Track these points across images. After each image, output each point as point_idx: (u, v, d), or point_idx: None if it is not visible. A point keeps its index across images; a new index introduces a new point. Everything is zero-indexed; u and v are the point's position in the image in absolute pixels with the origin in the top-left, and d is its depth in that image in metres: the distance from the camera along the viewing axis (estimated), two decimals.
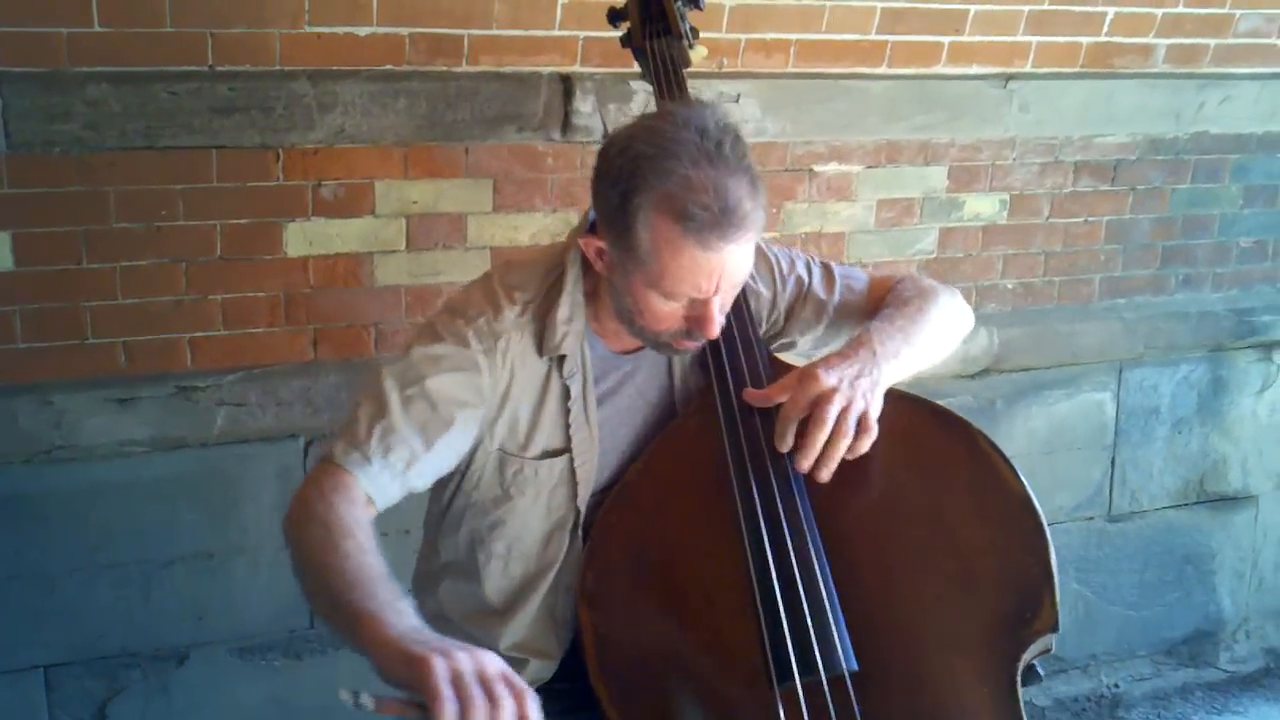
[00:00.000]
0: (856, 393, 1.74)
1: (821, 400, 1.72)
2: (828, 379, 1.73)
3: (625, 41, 2.17)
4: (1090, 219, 3.45)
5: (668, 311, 1.69)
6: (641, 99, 2.79)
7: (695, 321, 1.70)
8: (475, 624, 1.88)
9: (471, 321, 1.77)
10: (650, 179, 1.60)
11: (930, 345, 1.90)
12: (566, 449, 1.82)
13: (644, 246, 1.63)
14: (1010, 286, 3.41)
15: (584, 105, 2.75)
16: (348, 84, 2.57)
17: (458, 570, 1.90)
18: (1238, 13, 3.32)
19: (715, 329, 1.70)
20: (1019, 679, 1.66)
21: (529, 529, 1.84)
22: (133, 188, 2.51)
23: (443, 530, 1.91)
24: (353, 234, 2.70)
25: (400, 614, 1.42)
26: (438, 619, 1.92)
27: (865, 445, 1.74)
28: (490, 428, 1.79)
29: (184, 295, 2.60)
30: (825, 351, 1.89)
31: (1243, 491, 3.85)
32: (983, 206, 3.31)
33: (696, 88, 2.28)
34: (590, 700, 1.73)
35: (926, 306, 1.91)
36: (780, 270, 2.00)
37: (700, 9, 2.20)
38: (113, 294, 2.55)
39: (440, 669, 1.31)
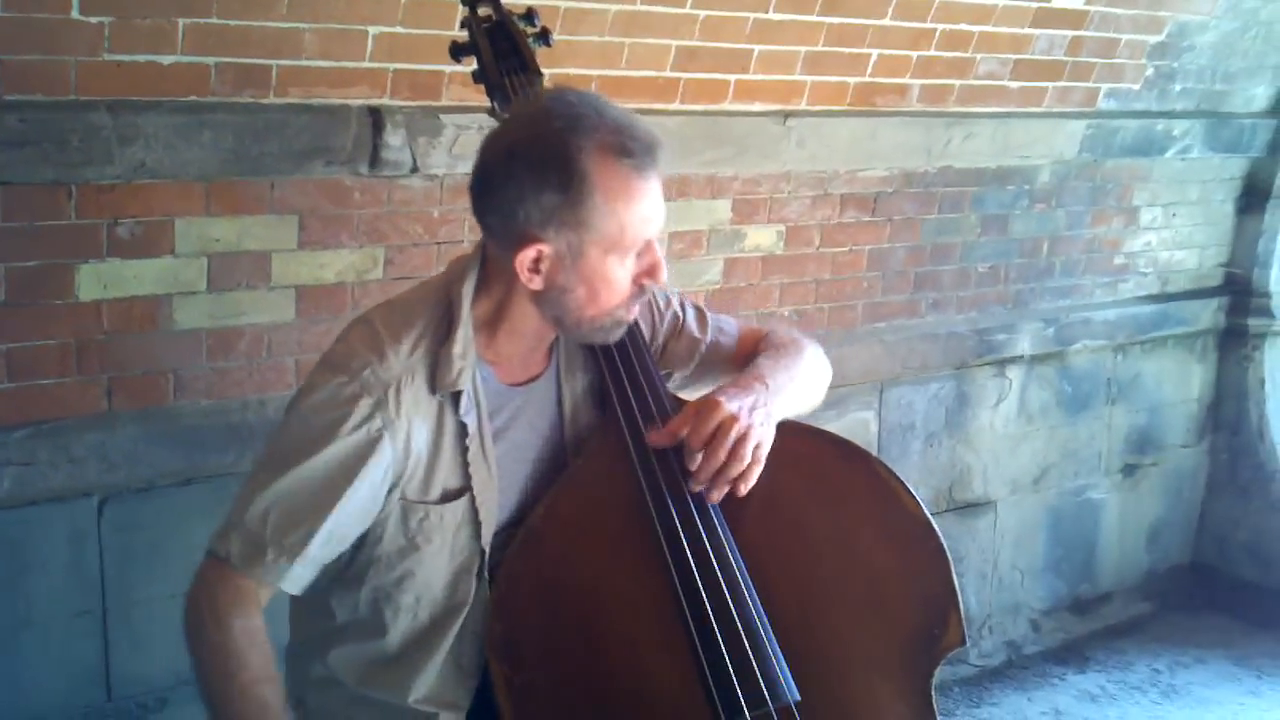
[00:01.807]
0: (754, 421, 1.78)
1: (722, 427, 1.76)
2: (729, 406, 1.77)
3: (478, 77, 2.12)
4: (854, 248, 3.65)
5: (625, 276, 1.72)
6: (451, 132, 2.74)
7: (646, 273, 1.74)
8: (377, 683, 1.80)
9: (356, 375, 1.69)
10: (580, 142, 1.64)
11: (807, 388, 1.97)
12: (466, 488, 1.77)
13: (599, 211, 1.65)
14: (786, 313, 3.55)
15: (394, 139, 2.68)
16: (150, 115, 2.40)
17: (358, 630, 1.80)
18: (978, 56, 3.59)
19: (664, 269, 1.75)
20: (933, 691, 1.75)
21: (436, 575, 1.78)
22: None
23: (337, 590, 1.80)
24: (150, 275, 2.52)
25: None
26: (328, 684, 1.83)
27: (753, 477, 1.78)
28: (398, 480, 1.73)
29: None
30: (700, 392, 1.92)
31: (984, 498, 4.16)
32: (762, 238, 3.44)
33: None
34: None
35: (802, 352, 2.00)
36: (657, 304, 2.02)
37: (550, 46, 2.19)
38: None
39: None
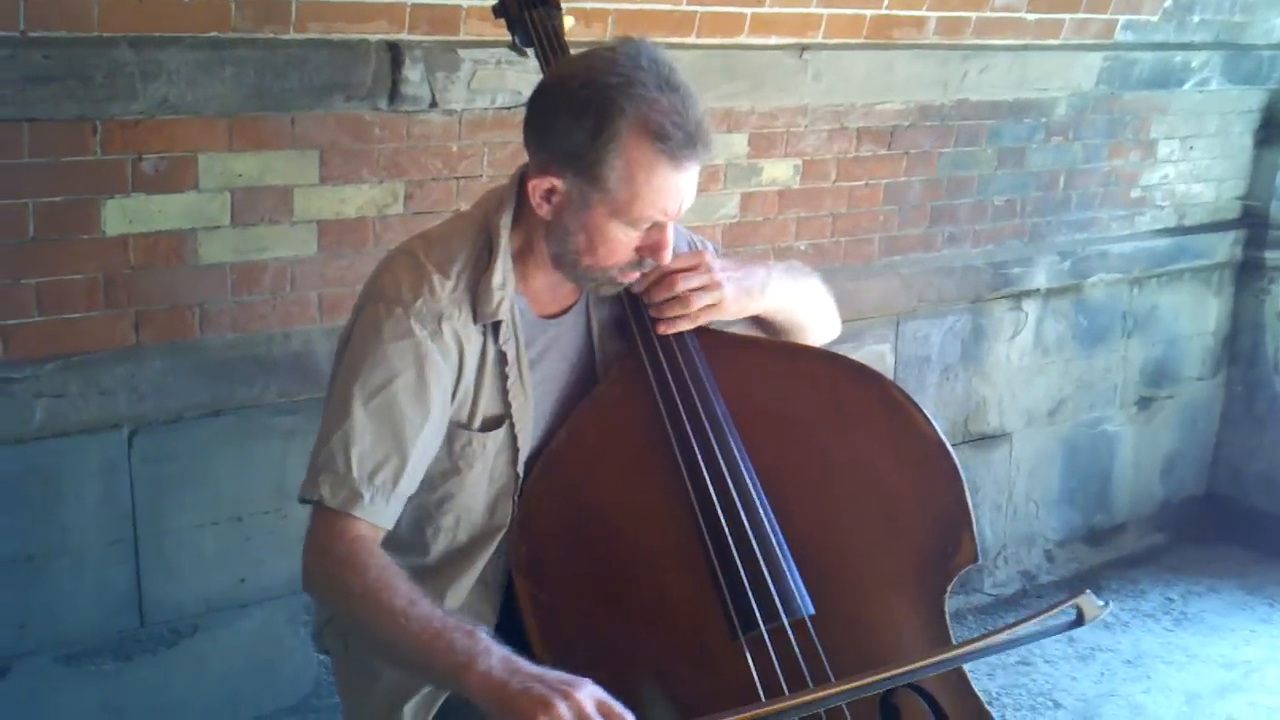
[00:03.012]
0: (727, 285, 1.86)
1: (693, 269, 1.84)
2: (707, 259, 1.87)
3: (499, 12, 2.15)
4: (870, 181, 3.66)
5: (624, 243, 1.75)
6: (469, 67, 2.76)
7: (649, 249, 1.77)
8: None
9: (409, 307, 1.74)
10: (624, 105, 1.66)
11: (809, 302, 2.04)
12: (506, 415, 1.82)
13: (616, 174, 1.68)
14: (803, 248, 3.57)
15: (412, 74, 2.70)
16: (172, 51, 2.43)
17: (398, 547, 1.84)
18: None
19: (669, 254, 1.77)
20: (946, 606, 1.80)
21: (475, 498, 1.84)
22: None
23: None
24: (175, 210, 2.56)
25: (487, 652, 1.53)
26: None
27: (679, 325, 1.86)
28: (450, 404, 1.78)
29: None
30: None
31: (999, 430, 4.19)
32: (778, 172, 3.45)
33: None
34: None
35: (814, 280, 2.07)
36: (694, 248, 2.05)
37: None
38: None
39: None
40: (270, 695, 2.90)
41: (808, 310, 2.05)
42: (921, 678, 1.70)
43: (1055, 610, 1.57)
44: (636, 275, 1.82)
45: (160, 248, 2.57)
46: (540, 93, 1.77)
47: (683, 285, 1.84)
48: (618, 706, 1.47)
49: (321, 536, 1.71)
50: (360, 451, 1.69)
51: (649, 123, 1.66)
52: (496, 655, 1.52)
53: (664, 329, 1.85)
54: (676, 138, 1.67)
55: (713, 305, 1.86)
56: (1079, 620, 1.58)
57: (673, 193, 1.71)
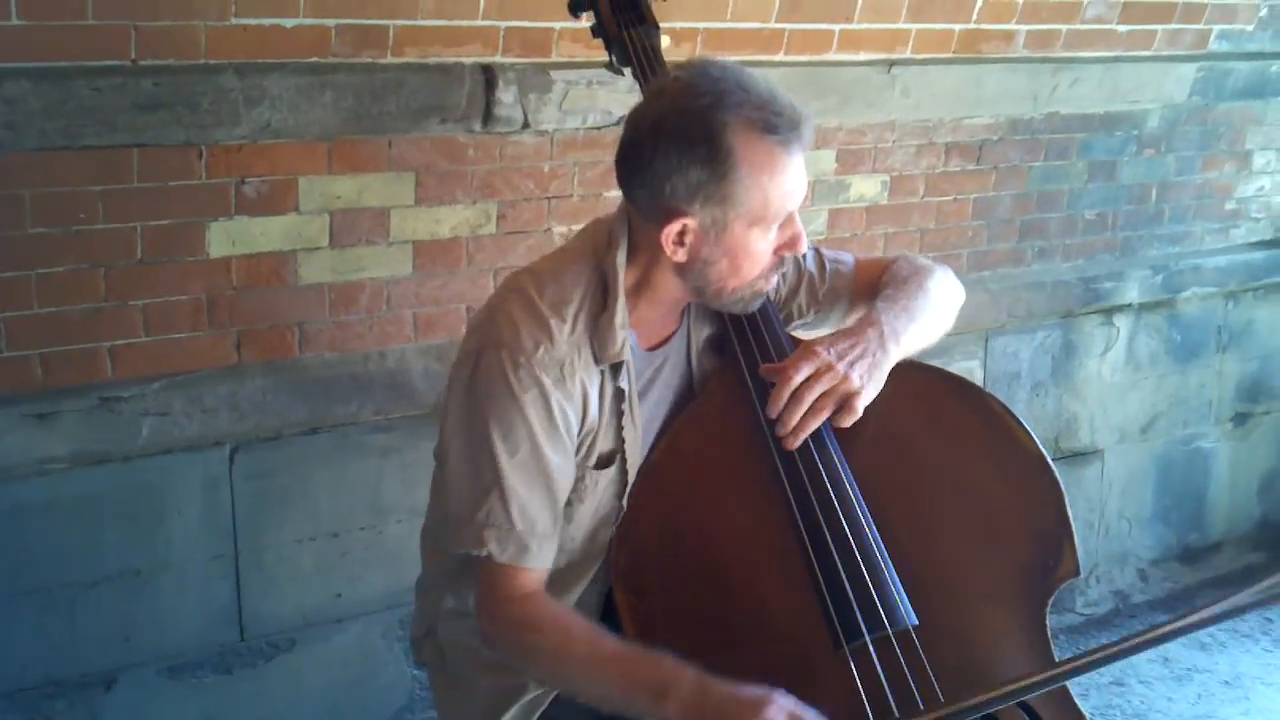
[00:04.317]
0: (853, 373, 1.81)
1: (815, 376, 1.80)
2: (824, 356, 1.81)
3: (597, 32, 2.17)
4: (959, 196, 3.63)
5: (765, 250, 1.76)
6: (561, 88, 2.79)
7: (787, 243, 1.78)
8: None
9: (530, 357, 1.74)
10: (725, 118, 1.67)
11: (932, 322, 1.98)
12: (619, 450, 1.84)
13: (744, 185, 1.68)
14: None
15: (506, 96, 2.73)
16: (275, 77, 2.48)
17: None
18: (1084, 0, 3.55)
19: (805, 241, 1.80)
20: (1047, 619, 1.79)
21: (580, 529, 1.86)
22: (49, 190, 2.36)
23: None
24: (276, 232, 2.62)
25: (677, 680, 1.60)
26: (458, 616, 1.92)
27: (844, 422, 1.82)
28: (575, 445, 1.81)
29: (103, 302, 2.47)
30: (819, 332, 1.97)
31: (1091, 447, 4.14)
32: (866, 188, 3.44)
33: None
34: None
35: (926, 284, 2.00)
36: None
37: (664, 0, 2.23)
38: (29, 303, 2.40)
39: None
40: (365, 709, 2.94)
41: (930, 333, 2.00)
42: (1042, 692, 1.68)
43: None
44: (775, 278, 1.84)
45: (261, 269, 2.63)
46: (633, 145, 1.74)
47: (811, 397, 1.80)
48: (810, 714, 1.54)
49: (500, 594, 1.75)
50: (519, 505, 1.73)
51: (754, 123, 1.67)
52: (688, 679, 1.59)
53: (844, 422, 1.82)
54: (782, 124, 1.68)
55: (849, 397, 1.81)
56: None
57: (795, 178, 1.73)
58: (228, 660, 2.75)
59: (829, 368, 1.80)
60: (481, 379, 1.75)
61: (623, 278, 1.80)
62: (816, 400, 1.80)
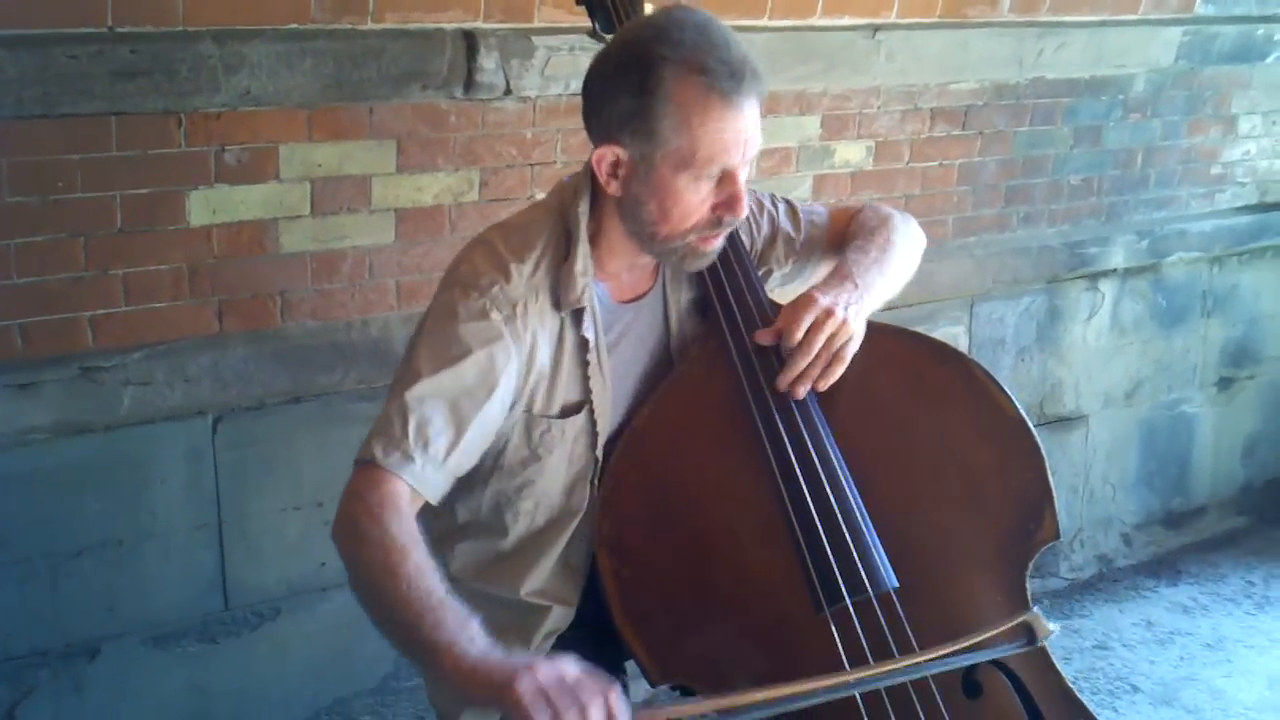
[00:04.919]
0: (850, 318, 1.83)
1: (817, 322, 1.81)
2: (824, 300, 1.82)
3: None
4: (944, 162, 3.62)
5: (697, 200, 1.72)
6: (543, 54, 2.77)
7: (724, 204, 1.74)
8: (492, 578, 1.89)
9: (485, 292, 1.75)
10: (663, 51, 1.66)
11: (899, 272, 2.01)
12: (586, 401, 1.84)
13: (669, 121, 1.66)
14: None
15: (488, 62, 2.71)
16: (254, 44, 2.46)
17: (477, 530, 1.89)
18: None
19: (744, 206, 1.74)
20: (1027, 581, 1.80)
21: (554, 483, 1.86)
22: (27, 158, 2.35)
23: (461, 492, 1.86)
24: (257, 200, 2.60)
25: (472, 640, 1.49)
26: (446, 579, 1.91)
27: (836, 374, 1.83)
28: (521, 394, 1.79)
29: (83, 271, 2.46)
30: (794, 287, 1.97)
31: (1075, 412, 4.15)
32: (851, 153, 3.43)
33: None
34: (611, 645, 1.78)
35: (892, 235, 2.02)
36: (753, 211, 2.05)
37: None
38: (8, 273, 2.39)
39: (526, 686, 1.39)
40: (351, 677, 2.96)
41: (896, 285, 2.02)
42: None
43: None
44: (719, 240, 1.81)
45: (242, 237, 2.61)
46: (589, 74, 1.78)
47: (820, 341, 1.80)
48: (603, 679, 1.44)
49: (359, 484, 1.67)
50: (418, 420, 1.67)
51: (690, 62, 1.65)
52: (482, 644, 1.49)
53: (823, 385, 1.83)
54: (722, 71, 1.65)
55: (848, 343, 1.83)
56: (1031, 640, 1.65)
57: (731, 132, 1.68)
58: (212, 629, 2.75)
59: (829, 312, 1.82)
60: (432, 313, 1.79)
61: (584, 226, 1.81)
62: (825, 343, 1.81)
